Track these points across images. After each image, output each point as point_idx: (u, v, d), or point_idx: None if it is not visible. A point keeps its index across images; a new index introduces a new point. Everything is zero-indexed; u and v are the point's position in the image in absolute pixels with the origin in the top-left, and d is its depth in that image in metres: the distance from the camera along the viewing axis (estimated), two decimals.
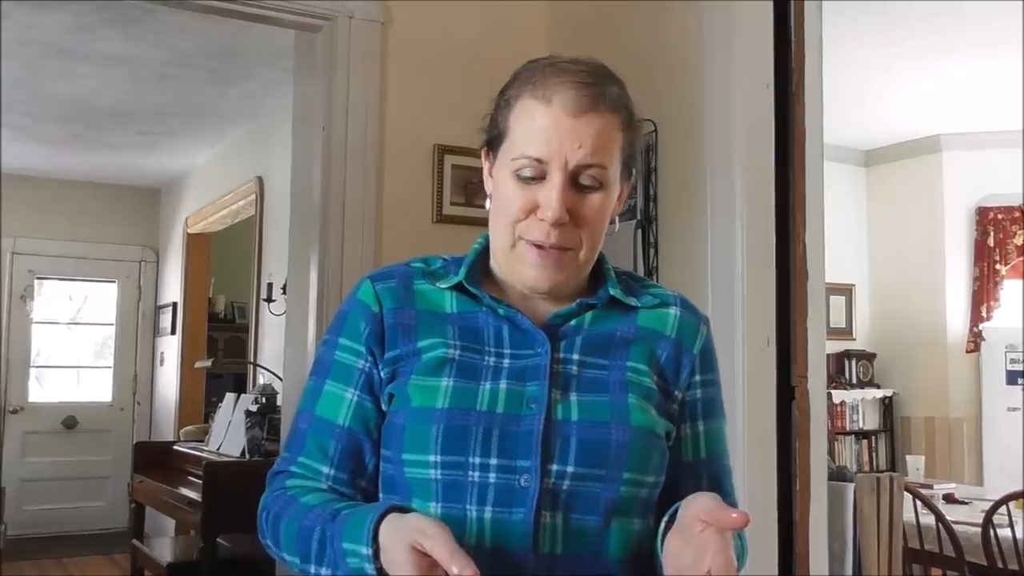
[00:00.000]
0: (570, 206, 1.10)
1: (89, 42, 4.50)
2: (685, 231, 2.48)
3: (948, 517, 3.86)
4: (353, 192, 2.80)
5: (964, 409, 6.07)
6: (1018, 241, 6.04)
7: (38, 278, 7.57)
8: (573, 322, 1.17)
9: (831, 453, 5.10)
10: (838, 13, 3.27)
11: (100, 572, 6.30)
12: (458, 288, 1.18)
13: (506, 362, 1.13)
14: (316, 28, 2.89)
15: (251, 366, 5.63)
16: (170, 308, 7.29)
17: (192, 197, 7.04)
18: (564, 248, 1.12)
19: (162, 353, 7.56)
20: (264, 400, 4.31)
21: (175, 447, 5.15)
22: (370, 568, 0.98)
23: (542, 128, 1.09)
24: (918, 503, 3.87)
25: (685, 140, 2.48)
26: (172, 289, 7.35)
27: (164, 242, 7.76)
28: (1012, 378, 5.92)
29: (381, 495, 1.16)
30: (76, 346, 7.86)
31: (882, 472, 4.96)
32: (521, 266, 1.14)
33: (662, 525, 1.09)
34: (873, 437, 6.33)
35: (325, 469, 1.16)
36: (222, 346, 7.14)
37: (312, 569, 1.07)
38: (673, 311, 1.22)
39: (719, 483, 1.21)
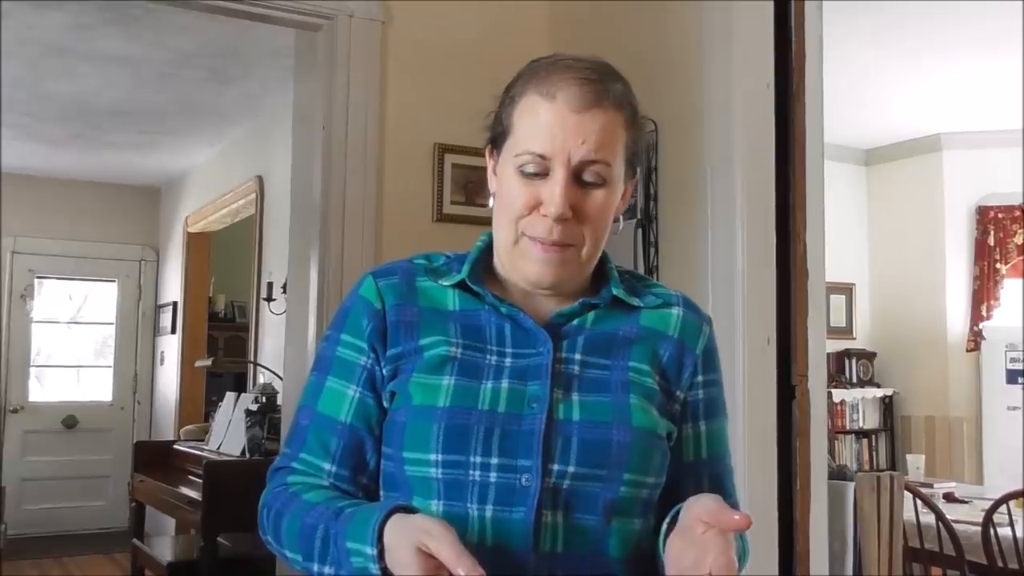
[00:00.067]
0: (573, 202, 1.10)
1: (89, 41, 4.50)
2: (685, 230, 2.48)
3: (948, 516, 3.86)
4: (353, 191, 2.80)
5: (964, 408, 6.07)
6: (1018, 240, 6.04)
7: (38, 277, 7.57)
8: (575, 322, 1.17)
9: (831, 452, 5.11)
10: (838, 13, 3.27)
11: (100, 571, 6.30)
12: (460, 286, 1.18)
13: (508, 361, 1.13)
14: (316, 27, 2.89)
15: (251, 365, 5.63)
16: (170, 307, 7.29)
17: (192, 196, 7.04)
18: (567, 244, 1.12)
19: (162, 352, 7.56)
20: (264, 399, 4.31)
21: (175, 446, 5.15)
22: (374, 568, 0.98)
23: (546, 124, 1.09)
24: (918, 502, 3.87)
25: (685, 140, 2.49)
26: (172, 288, 7.35)
27: (164, 241, 7.76)
28: (1012, 377, 5.92)
29: (382, 492, 1.16)
30: (76, 345, 7.87)
31: (882, 471, 4.96)
32: (524, 262, 1.14)
33: (664, 526, 1.09)
34: (873, 436, 6.33)
35: (327, 466, 1.16)
36: (222, 345, 7.14)
37: (315, 567, 1.07)
38: (676, 311, 1.22)
39: (720, 483, 1.21)
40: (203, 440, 4.88)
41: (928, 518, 3.89)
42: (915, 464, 5.21)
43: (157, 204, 7.92)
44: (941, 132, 6.06)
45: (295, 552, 1.10)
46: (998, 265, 6.05)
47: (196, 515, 3.96)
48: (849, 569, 2.76)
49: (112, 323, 7.82)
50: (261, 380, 4.98)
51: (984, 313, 6.02)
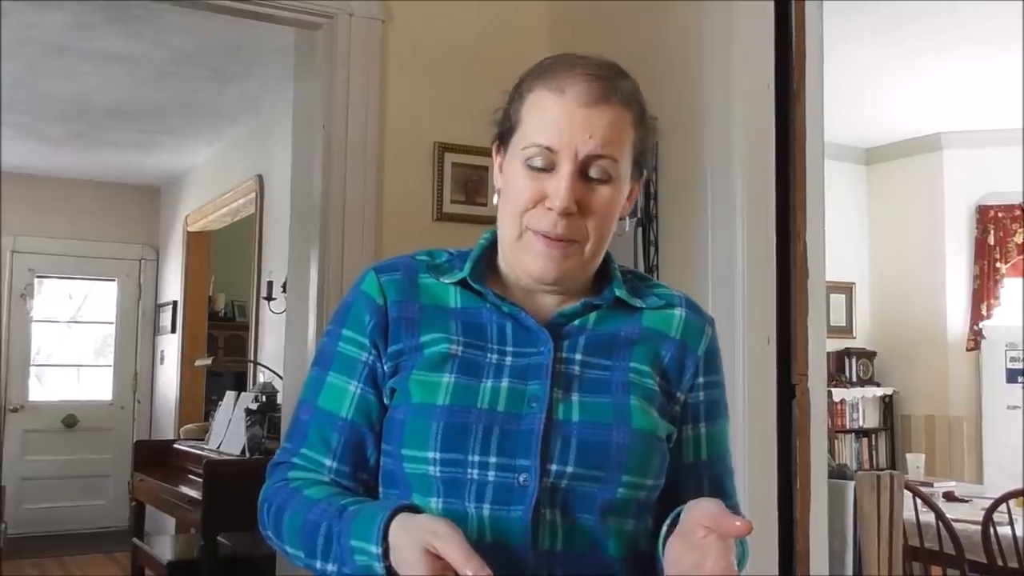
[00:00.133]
0: (578, 197, 1.10)
1: (89, 40, 4.50)
2: (686, 230, 2.48)
3: (948, 515, 3.86)
4: (353, 190, 2.80)
5: (964, 407, 6.07)
6: (1018, 239, 6.04)
7: (38, 276, 7.57)
8: (577, 322, 1.17)
9: (831, 451, 5.11)
10: (838, 13, 3.27)
11: (100, 571, 6.30)
12: (462, 284, 1.18)
13: (508, 360, 1.13)
14: (316, 26, 2.89)
15: (251, 364, 5.63)
16: (170, 306, 7.29)
17: (192, 195, 7.04)
18: (570, 240, 1.12)
19: (162, 351, 7.56)
20: (264, 398, 4.32)
21: (175, 445, 5.15)
22: (379, 567, 0.98)
23: (554, 118, 1.10)
24: (918, 501, 3.87)
25: (685, 140, 2.48)
26: (172, 287, 7.35)
27: (164, 240, 7.76)
28: (1012, 376, 5.92)
29: (381, 489, 1.16)
30: (76, 344, 7.87)
31: (882, 470, 4.97)
32: (527, 256, 1.13)
33: (664, 528, 1.09)
34: (873, 435, 6.33)
35: (328, 462, 1.16)
36: (222, 344, 7.15)
37: (318, 564, 1.07)
38: (678, 312, 1.21)
39: (720, 484, 1.21)
40: (203, 439, 4.88)
41: (928, 517, 3.89)
42: (915, 463, 5.21)
43: (157, 203, 7.92)
44: (941, 131, 6.06)
45: (296, 548, 1.10)
46: (998, 264, 6.05)
47: (196, 514, 3.96)
48: (849, 568, 2.76)
49: (112, 322, 7.82)
50: (261, 379, 4.98)
51: (984, 312, 6.02)
